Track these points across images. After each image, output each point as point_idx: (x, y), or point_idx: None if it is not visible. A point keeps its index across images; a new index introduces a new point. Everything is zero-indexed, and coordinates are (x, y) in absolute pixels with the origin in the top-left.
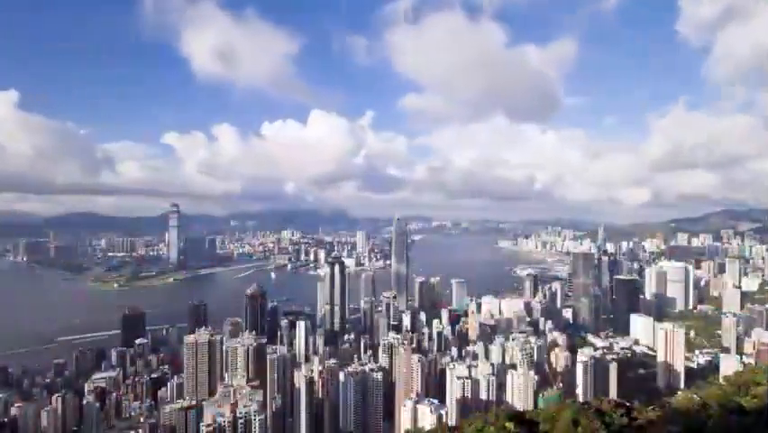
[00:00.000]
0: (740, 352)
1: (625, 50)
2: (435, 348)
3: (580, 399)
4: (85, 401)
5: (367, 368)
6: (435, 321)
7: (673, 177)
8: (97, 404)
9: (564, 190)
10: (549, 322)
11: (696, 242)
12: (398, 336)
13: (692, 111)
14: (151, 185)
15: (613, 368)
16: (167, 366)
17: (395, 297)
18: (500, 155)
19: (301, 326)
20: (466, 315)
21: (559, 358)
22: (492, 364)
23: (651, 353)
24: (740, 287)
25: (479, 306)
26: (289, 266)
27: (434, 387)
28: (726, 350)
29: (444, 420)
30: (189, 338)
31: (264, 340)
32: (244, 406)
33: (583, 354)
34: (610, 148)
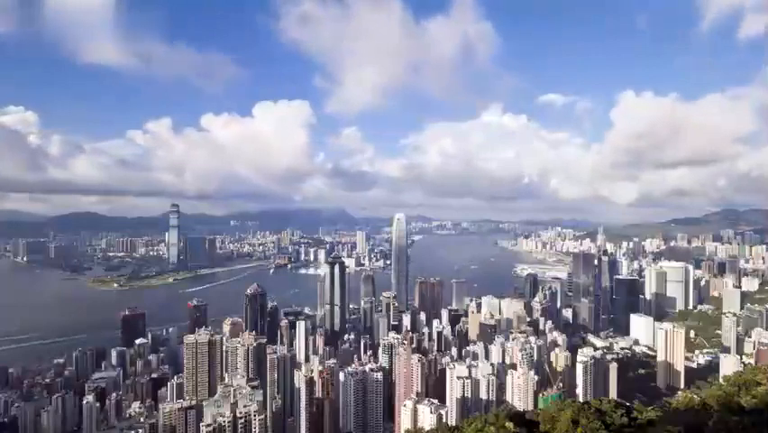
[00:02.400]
0: (740, 352)
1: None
2: (435, 348)
3: (580, 399)
4: (85, 401)
5: (367, 368)
6: (435, 321)
7: (658, 173)
8: (97, 404)
9: (539, 184)
10: (549, 322)
11: (696, 242)
12: (398, 336)
13: (661, 98)
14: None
15: (613, 368)
16: (167, 366)
17: (395, 297)
18: (460, 145)
19: (301, 326)
20: (466, 315)
21: (559, 358)
22: (492, 364)
23: (651, 353)
24: (740, 287)
25: (479, 306)
26: (289, 266)
27: (434, 387)
28: (727, 350)
29: (444, 420)
30: (189, 338)
31: (264, 340)
32: (244, 406)
33: (583, 354)
34: (574, 139)
